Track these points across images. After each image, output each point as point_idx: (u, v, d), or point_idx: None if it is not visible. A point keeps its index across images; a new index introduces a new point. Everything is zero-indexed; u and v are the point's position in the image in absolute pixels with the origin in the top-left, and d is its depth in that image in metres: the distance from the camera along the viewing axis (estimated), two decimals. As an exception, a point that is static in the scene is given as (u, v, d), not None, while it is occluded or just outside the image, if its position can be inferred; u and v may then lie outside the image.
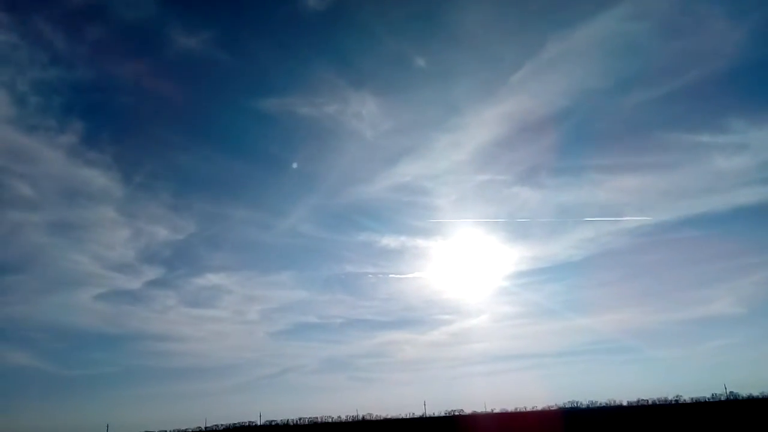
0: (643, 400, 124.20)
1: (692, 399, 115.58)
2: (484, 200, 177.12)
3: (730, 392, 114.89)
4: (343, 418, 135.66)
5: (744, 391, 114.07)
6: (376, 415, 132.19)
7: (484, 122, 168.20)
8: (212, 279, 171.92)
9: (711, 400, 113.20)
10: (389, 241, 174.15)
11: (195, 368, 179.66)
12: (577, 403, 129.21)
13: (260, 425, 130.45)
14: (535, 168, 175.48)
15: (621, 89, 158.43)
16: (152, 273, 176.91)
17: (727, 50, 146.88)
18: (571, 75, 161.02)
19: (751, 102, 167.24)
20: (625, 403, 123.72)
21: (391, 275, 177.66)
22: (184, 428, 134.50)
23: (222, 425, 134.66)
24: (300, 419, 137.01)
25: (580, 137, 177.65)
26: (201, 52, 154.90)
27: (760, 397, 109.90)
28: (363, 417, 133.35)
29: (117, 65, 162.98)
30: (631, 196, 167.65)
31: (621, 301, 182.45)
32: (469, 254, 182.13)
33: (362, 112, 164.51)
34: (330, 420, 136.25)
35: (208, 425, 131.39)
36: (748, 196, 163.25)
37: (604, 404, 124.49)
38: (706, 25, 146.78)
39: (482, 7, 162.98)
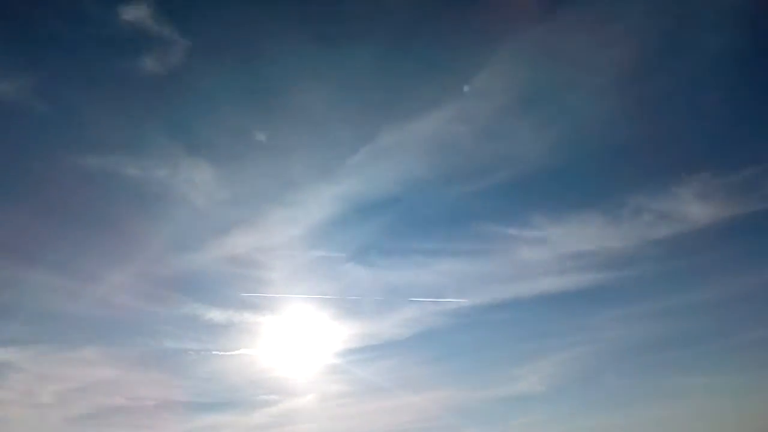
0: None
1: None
2: (316, 276, 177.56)
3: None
4: None
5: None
6: None
7: (321, 200, 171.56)
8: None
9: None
10: (215, 314, 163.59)
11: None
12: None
13: None
14: (366, 248, 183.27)
15: (445, 181, 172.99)
16: None
17: (531, 156, 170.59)
18: (402, 164, 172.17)
19: (548, 202, 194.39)
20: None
21: (214, 352, 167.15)
22: None
23: None
24: None
25: (408, 222, 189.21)
26: (15, 98, 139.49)
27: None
28: None
29: None
30: (451, 279, 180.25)
31: (442, 379, 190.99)
32: (299, 331, 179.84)
33: (195, 179, 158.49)
34: None
35: None
36: (547, 284, 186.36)
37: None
38: (515, 134, 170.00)
39: (323, 91, 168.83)
